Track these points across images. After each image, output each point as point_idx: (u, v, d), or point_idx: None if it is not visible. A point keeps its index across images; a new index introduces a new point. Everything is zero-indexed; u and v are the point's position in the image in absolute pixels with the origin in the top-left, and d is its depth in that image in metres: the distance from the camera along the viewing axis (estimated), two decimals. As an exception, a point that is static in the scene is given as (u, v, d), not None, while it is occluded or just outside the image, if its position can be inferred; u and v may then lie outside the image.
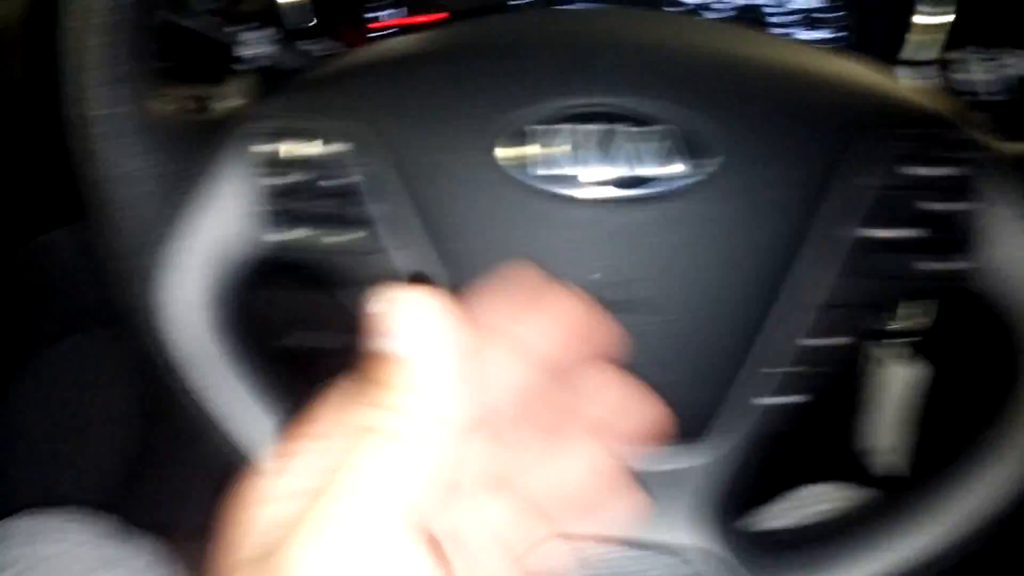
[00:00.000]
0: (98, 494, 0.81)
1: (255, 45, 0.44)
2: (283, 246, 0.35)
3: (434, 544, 0.25)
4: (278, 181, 0.35)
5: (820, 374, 0.36)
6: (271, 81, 0.45)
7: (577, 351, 0.30)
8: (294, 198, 0.35)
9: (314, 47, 0.48)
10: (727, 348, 0.36)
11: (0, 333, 0.70)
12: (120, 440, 0.89)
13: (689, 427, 0.37)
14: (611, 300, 0.34)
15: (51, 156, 0.64)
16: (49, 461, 0.82)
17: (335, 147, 0.34)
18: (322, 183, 0.34)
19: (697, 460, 0.37)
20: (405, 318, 0.24)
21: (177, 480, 0.80)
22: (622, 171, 0.34)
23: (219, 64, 0.46)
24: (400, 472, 0.24)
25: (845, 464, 0.79)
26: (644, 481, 0.37)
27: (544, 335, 0.30)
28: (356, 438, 0.24)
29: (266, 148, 0.35)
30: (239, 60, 0.44)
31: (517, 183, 0.34)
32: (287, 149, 0.34)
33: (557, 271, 0.34)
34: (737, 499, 0.38)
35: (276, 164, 0.35)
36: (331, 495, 0.23)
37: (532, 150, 0.34)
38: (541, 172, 0.34)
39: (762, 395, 0.36)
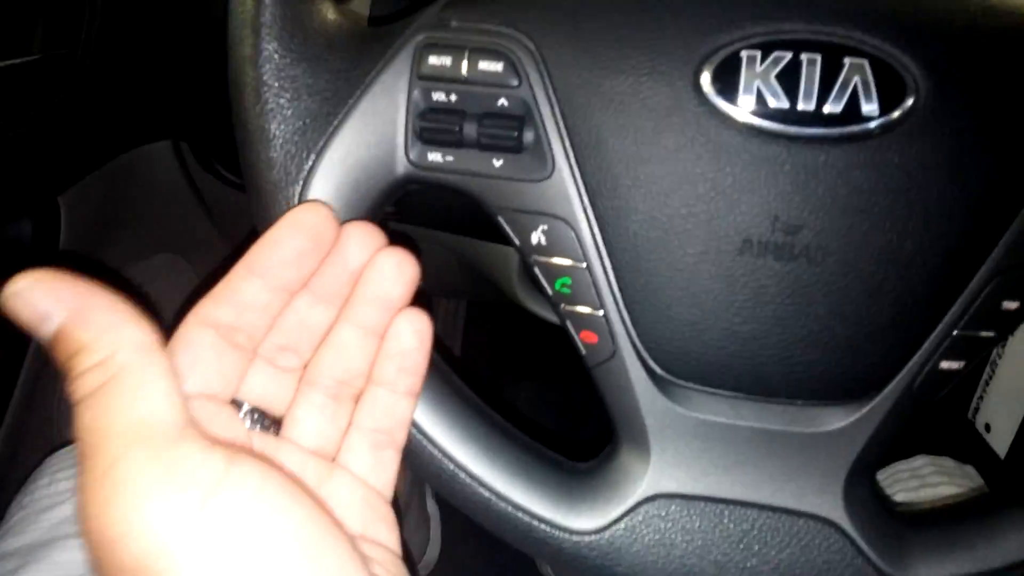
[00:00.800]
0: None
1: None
2: (434, 167, 0.33)
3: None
4: (439, 98, 0.33)
5: (995, 339, 0.34)
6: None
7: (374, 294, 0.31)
8: (452, 117, 0.33)
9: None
10: (908, 307, 0.33)
11: (89, 240, 0.69)
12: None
13: (851, 387, 0.34)
14: (784, 244, 0.32)
15: (162, 67, 0.63)
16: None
17: (498, 65, 0.32)
18: (496, 104, 0.32)
19: (859, 422, 0.35)
20: (37, 297, 0.25)
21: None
22: (834, 108, 0.31)
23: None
24: (131, 403, 0.24)
25: (951, 435, 0.77)
26: (793, 441, 0.35)
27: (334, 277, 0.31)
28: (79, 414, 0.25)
29: (430, 62, 0.33)
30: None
31: (715, 111, 0.31)
32: (454, 65, 0.32)
33: (732, 206, 0.32)
34: (873, 467, 0.36)
35: (436, 79, 0.33)
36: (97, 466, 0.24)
37: (745, 78, 0.31)
38: (747, 103, 0.31)
39: (951, 359, 0.33)
